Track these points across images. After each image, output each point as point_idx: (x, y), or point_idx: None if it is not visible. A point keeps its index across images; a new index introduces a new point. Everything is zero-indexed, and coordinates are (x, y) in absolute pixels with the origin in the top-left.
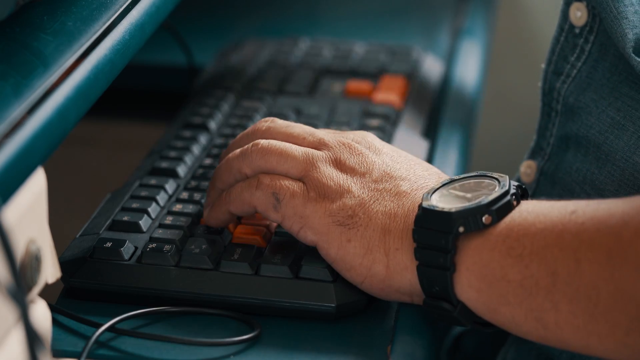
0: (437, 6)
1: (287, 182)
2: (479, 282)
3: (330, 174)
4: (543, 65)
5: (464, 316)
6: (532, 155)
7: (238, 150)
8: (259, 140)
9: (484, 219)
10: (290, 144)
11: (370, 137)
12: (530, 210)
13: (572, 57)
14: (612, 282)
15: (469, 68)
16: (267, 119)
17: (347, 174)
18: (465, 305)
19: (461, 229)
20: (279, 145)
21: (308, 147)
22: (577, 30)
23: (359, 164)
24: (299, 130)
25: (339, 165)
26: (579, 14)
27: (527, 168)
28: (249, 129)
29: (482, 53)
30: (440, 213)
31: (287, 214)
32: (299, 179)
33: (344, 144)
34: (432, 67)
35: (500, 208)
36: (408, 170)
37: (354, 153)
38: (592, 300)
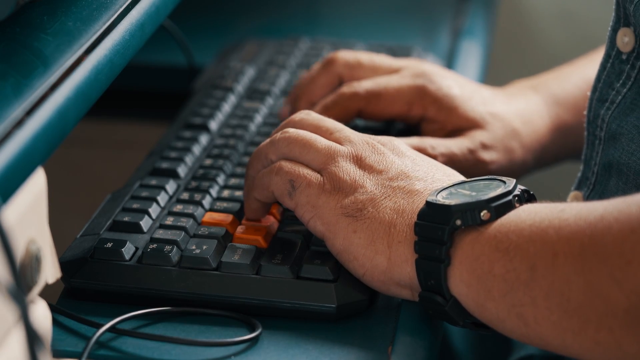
0: (437, 6)
1: (305, 171)
2: (469, 276)
3: (348, 169)
4: (589, 94)
5: (456, 312)
6: (579, 186)
7: (269, 139)
8: (288, 129)
9: (482, 214)
10: (317, 136)
11: (397, 142)
12: (526, 209)
13: (618, 84)
14: (582, 276)
15: (469, 68)
16: (303, 110)
17: (364, 171)
18: (457, 300)
19: (458, 222)
20: (304, 136)
21: (334, 141)
22: (624, 57)
23: (377, 162)
24: (329, 124)
25: (359, 161)
26: (626, 40)
27: (574, 199)
28: (285, 120)
29: (482, 53)
30: (441, 206)
31: (301, 202)
32: (318, 171)
33: (367, 143)
34: None
35: (500, 206)
36: (427, 173)
37: (375, 152)
38: (565, 295)
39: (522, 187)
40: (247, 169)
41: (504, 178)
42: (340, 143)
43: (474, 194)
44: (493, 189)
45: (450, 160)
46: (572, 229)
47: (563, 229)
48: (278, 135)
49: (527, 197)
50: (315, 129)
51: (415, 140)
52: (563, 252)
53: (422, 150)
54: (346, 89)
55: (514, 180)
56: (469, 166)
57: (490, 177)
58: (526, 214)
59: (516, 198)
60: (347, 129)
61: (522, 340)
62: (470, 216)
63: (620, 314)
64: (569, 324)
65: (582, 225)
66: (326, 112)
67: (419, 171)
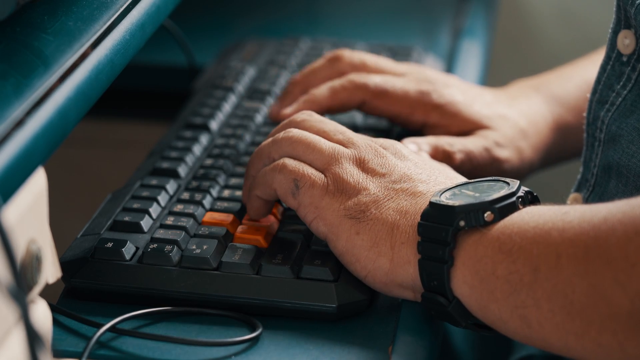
0: (437, 6)
1: (309, 170)
2: (472, 277)
3: (351, 171)
4: (588, 95)
5: (458, 313)
6: (578, 188)
7: (270, 138)
8: (291, 129)
9: (485, 215)
10: (320, 137)
11: (399, 145)
12: (529, 211)
13: (618, 86)
14: (586, 278)
15: (470, 68)
16: (304, 111)
17: (367, 174)
18: (460, 301)
19: (462, 223)
20: (308, 136)
21: (336, 143)
22: (624, 59)
23: (380, 166)
24: (332, 127)
25: (361, 164)
26: (627, 42)
27: (574, 201)
28: (287, 120)
29: (483, 53)
30: (445, 207)
31: (304, 202)
32: (321, 171)
33: (370, 146)
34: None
35: (504, 207)
36: (429, 176)
37: (378, 155)
38: (569, 297)
39: (526, 189)
40: (247, 169)
41: (507, 179)
42: (343, 145)
43: (477, 194)
44: (497, 190)
45: (468, 158)
46: (576, 231)
47: (567, 231)
48: (281, 134)
49: (531, 199)
50: (318, 130)
51: (432, 138)
52: (566, 254)
53: (439, 147)
54: (357, 77)
55: (518, 182)
56: (485, 164)
57: (493, 178)
58: (529, 216)
59: (520, 199)
60: (349, 131)
61: (525, 342)
62: (474, 217)
63: (624, 316)
64: (571, 326)
65: (585, 228)
66: (332, 94)
67: (422, 174)
